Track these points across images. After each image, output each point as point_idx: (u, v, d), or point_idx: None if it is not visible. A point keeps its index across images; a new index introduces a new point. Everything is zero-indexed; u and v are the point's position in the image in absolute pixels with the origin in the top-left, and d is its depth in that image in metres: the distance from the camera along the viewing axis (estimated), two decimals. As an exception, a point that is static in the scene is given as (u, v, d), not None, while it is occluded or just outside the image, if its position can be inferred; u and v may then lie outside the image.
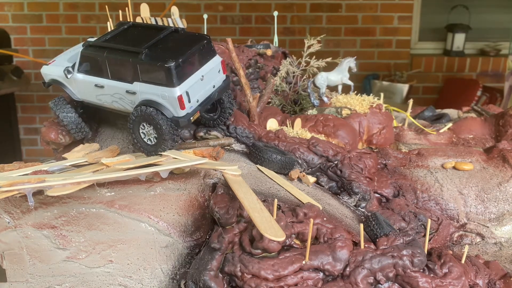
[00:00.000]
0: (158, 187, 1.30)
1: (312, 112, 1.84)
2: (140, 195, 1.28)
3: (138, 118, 1.36)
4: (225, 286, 1.12)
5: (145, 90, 1.35)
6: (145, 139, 1.39)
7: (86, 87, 1.47)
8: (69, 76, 1.46)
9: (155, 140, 1.37)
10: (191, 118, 1.36)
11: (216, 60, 1.43)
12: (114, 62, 1.38)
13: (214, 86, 1.43)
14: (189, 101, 1.34)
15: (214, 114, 1.53)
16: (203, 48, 1.38)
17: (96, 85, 1.44)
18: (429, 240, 1.36)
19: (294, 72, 2.05)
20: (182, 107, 1.32)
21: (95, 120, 1.67)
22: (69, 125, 1.56)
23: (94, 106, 1.51)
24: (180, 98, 1.31)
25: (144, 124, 1.37)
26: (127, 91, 1.39)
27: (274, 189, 1.34)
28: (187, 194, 1.31)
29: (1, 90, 4.38)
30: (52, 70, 1.54)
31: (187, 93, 1.33)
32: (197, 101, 1.38)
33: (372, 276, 1.12)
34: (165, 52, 1.33)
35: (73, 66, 1.46)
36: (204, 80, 1.38)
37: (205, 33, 2.24)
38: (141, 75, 1.34)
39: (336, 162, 1.49)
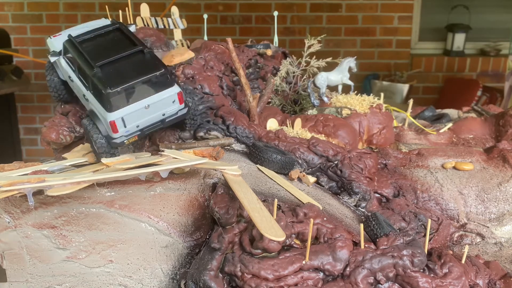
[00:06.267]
0: (158, 187, 1.30)
1: (312, 112, 1.84)
2: (140, 195, 1.28)
3: (85, 125, 1.41)
4: (225, 286, 1.12)
5: (93, 102, 1.37)
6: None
7: (64, 74, 1.51)
8: (52, 59, 1.49)
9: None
10: (126, 141, 1.38)
11: (171, 91, 1.39)
12: (78, 65, 1.40)
13: (163, 114, 1.41)
14: (125, 126, 1.35)
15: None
16: (156, 79, 1.35)
17: (69, 77, 1.48)
18: (429, 240, 1.36)
19: (294, 72, 2.05)
20: (115, 131, 1.34)
21: None
22: (50, 87, 1.59)
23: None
24: (112, 123, 1.32)
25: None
26: (83, 95, 1.42)
27: (274, 189, 1.34)
28: (187, 194, 1.31)
29: (1, 90, 4.38)
30: (53, 44, 1.55)
31: (123, 119, 1.33)
32: (137, 126, 1.38)
33: (372, 276, 1.12)
34: (115, 74, 1.33)
35: (60, 51, 1.49)
36: (150, 109, 1.37)
37: (205, 33, 2.25)
38: (92, 88, 1.36)
39: (336, 162, 1.49)
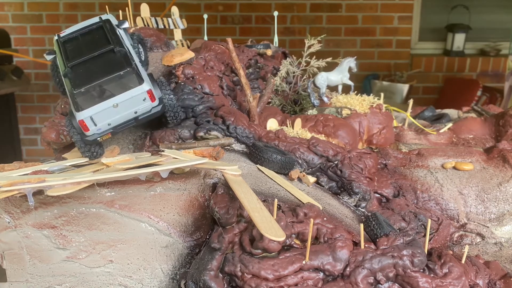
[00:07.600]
0: (158, 187, 1.30)
1: (312, 112, 1.84)
2: (140, 195, 1.28)
3: (66, 124, 1.43)
4: (225, 286, 1.12)
5: (70, 101, 1.39)
6: None
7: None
8: (48, 58, 1.51)
9: None
10: (99, 139, 1.39)
11: (140, 89, 1.39)
12: (60, 62, 1.42)
13: (136, 112, 1.41)
14: (96, 125, 1.36)
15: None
16: (121, 78, 1.35)
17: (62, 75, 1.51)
18: (429, 240, 1.36)
19: (294, 72, 2.05)
20: (85, 129, 1.36)
21: None
22: (55, 81, 1.60)
23: None
24: (81, 122, 1.35)
25: None
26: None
27: (274, 189, 1.34)
28: (187, 194, 1.31)
29: (1, 90, 4.38)
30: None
31: (92, 118, 1.35)
32: (109, 125, 1.38)
33: (372, 276, 1.12)
34: (83, 74, 1.35)
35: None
36: (119, 107, 1.37)
37: (205, 33, 2.25)
38: (67, 88, 1.38)
39: (336, 162, 1.49)
